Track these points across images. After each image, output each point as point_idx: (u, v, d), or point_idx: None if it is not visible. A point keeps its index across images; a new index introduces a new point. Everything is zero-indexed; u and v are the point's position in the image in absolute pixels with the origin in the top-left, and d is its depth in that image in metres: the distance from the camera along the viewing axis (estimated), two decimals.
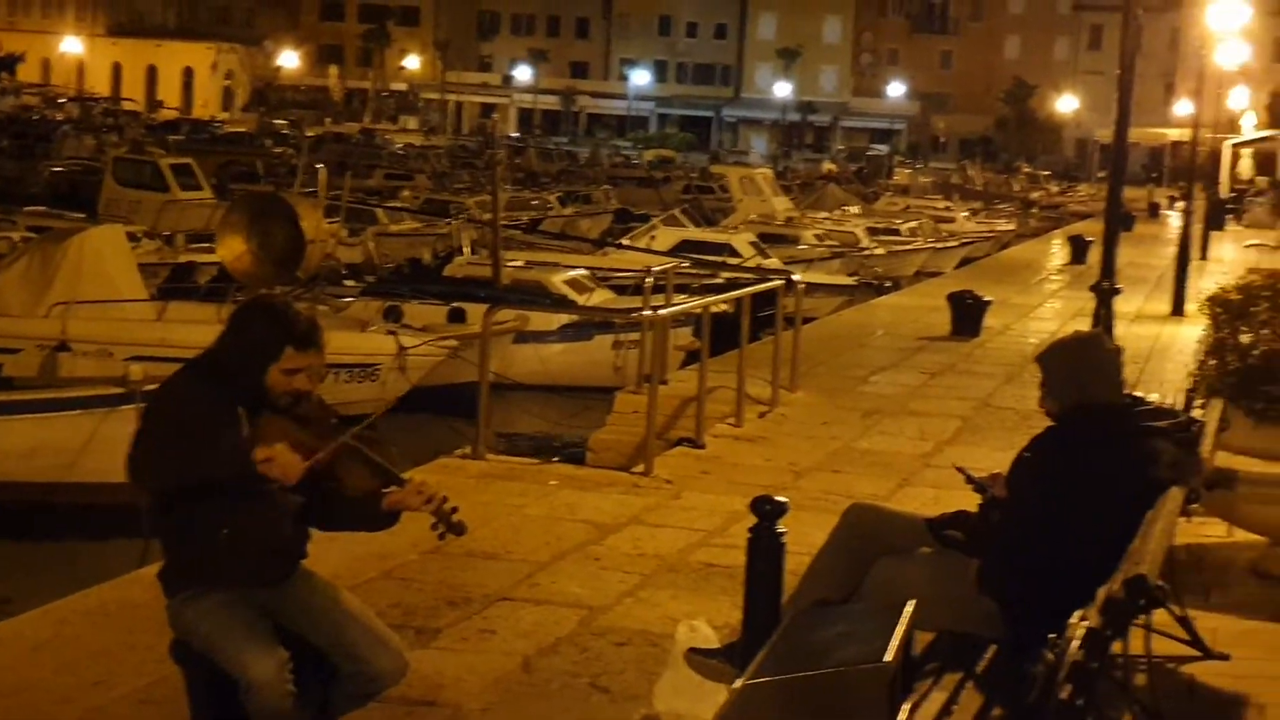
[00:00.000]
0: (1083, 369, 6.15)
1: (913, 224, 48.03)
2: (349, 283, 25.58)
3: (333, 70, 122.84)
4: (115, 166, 42.43)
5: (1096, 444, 5.96)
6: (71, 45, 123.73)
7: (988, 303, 21.85)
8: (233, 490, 5.17)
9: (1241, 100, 70.01)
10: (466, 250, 29.69)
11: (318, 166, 30.58)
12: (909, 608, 4.36)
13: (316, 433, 5.31)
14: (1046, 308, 26.59)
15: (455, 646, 7.67)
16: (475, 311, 22.32)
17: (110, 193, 40.61)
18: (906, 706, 4.27)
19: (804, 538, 7.11)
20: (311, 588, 5.50)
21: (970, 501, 6.53)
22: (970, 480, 6.45)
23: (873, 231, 44.02)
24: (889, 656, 3.98)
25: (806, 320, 19.58)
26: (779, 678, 3.92)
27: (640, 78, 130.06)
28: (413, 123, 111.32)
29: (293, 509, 5.39)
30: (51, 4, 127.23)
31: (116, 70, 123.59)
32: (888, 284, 33.19)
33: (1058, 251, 40.68)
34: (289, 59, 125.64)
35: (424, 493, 5.38)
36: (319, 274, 22.35)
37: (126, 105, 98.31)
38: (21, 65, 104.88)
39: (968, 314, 21.33)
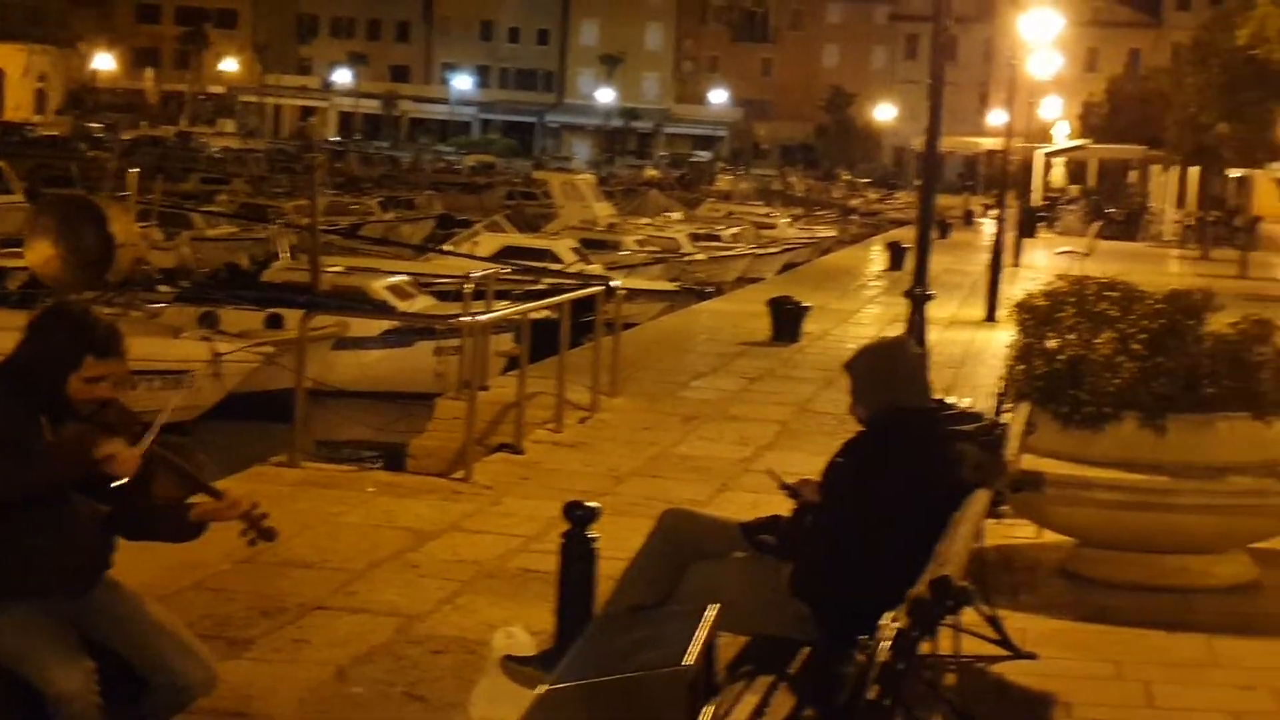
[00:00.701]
0: (889, 374, 6.24)
1: (734, 230, 48.38)
2: (163, 288, 25.12)
3: (149, 73, 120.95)
4: None
5: (904, 448, 6.06)
6: None
7: (807, 308, 22.08)
8: (36, 501, 5.07)
9: (1054, 110, 71.39)
10: (285, 255, 29.35)
11: (132, 170, 30.07)
12: (711, 611, 4.39)
13: (122, 440, 5.22)
14: (865, 313, 26.92)
15: (268, 657, 7.58)
16: (293, 317, 22.07)
17: None
18: (709, 710, 4.29)
19: (623, 543, 7.12)
20: (117, 598, 5.41)
21: (785, 506, 6.59)
22: (783, 485, 6.51)
23: (695, 237, 44.26)
24: (689, 660, 4.00)
25: (628, 326, 19.67)
26: (580, 682, 3.92)
27: (462, 82, 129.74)
28: (230, 126, 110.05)
29: (98, 518, 5.30)
30: None
31: None
32: (709, 289, 33.38)
33: (876, 258, 41.21)
34: (104, 61, 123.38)
35: (233, 501, 5.32)
36: (131, 279, 21.95)
37: None
38: None
39: (787, 319, 21.53)
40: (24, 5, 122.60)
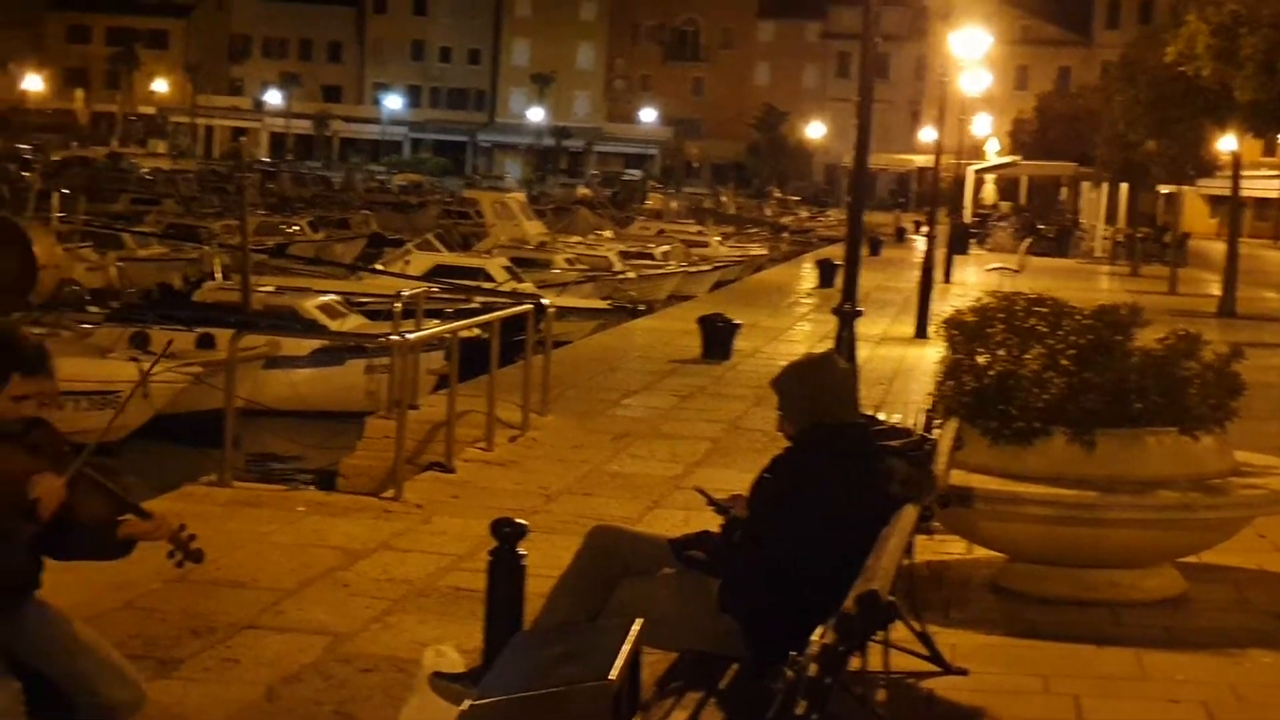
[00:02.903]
0: (816, 390, 6.27)
1: (665, 248, 48.51)
2: (93, 309, 25.00)
3: (79, 93, 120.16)
4: None
5: (832, 463, 6.09)
6: None
7: (738, 326, 22.13)
8: None
9: (985, 127, 71.99)
10: (218, 276, 29.23)
11: (64, 191, 29.91)
12: (635, 626, 4.39)
13: (50, 461, 5.19)
14: (796, 330, 27.00)
15: (197, 676, 7.53)
16: (225, 337, 21.96)
17: None
18: None
19: (555, 561, 7.12)
20: (43, 618, 5.36)
21: (714, 522, 6.61)
22: (711, 501, 6.53)
23: (625, 255, 44.36)
24: (614, 674, 4.00)
25: (559, 344, 19.65)
26: (502, 698, 3.91)
27: (393, 102, 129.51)
28: (162, 147, 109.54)
29: (24, 538, 5.26)
30: None
31: None
32: (641, 307, 33.43)
33: (807, 275, 41.33)
34: (33, 82, 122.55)
35: (160, 521, 5.30)
36: (59, 299, 21.84)
37: None
38: None
39: (718, 337, 21.57)
40: None
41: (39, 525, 5.15)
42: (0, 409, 5.19)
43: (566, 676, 3.99)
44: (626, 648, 4.18)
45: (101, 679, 5.25)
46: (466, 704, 4.00)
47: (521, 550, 6.24)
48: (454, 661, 6.65)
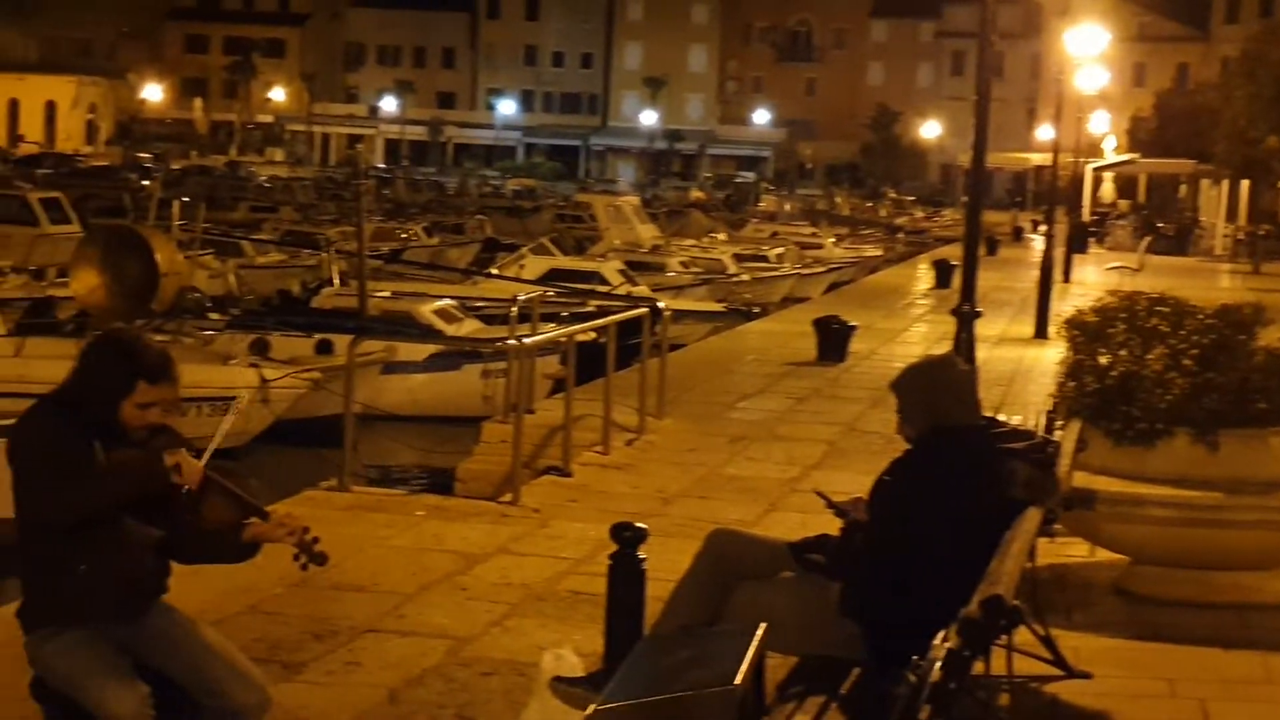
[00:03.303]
0: (935, 393, 6.21)
1: (779, 250, 48.36)
2: (214, 316, 25.30)
3: (197, 103, 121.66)
4: None
5: (953, 466, 6.03)
6: None
7: (853, 328, 22.01)
8: (90, 525, 5.12)
9: (1102, 125, 71.15)
10: (336, 282, 29.49)
11: (184, 199, 30.30)
12: (760, 630, 4.37)
13: (185, 452, 5.26)
14: (912, 332, 26.84)
15: (321, 680, 7.60)
16: (343, 343, 22.16)
17: None
18: None
19: (671, 564, 7.11)
20: (171, 622, 5.44)
21: (833, 526, 6.57)
22: (830, 505, 6.49)
23: (739, 258, 44.27)
24: (739, 679, 3.98)
25: (674, 347, 19.63)
26: (629, 702, 3.90)
27: (507, 107, 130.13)
28: (279, 155, 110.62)
29: (152, 543, 5.34)
30: None
31: None
32: (756, 310, 33.33)
33: (923, 276, 41.07)
34: (153, 92, 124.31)
35: (284, 524, 5.35)
36: (184, 307, 22.11)
37: None
38: None
39: (834, 339, 21.47)
40: (74, 38, 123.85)
41: (160, 524, 5.22)
42: (126, 416, 5.27)
43: (692, 681, 3.98)
44: (751, 653, 4.16)
45: (228, 682, 5.31)
46: (591, 708, 4.00)
47: (641, 554, 6.22)
48: (573, 665, 6.66)
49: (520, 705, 6.99)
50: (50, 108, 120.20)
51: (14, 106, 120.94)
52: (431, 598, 9.12)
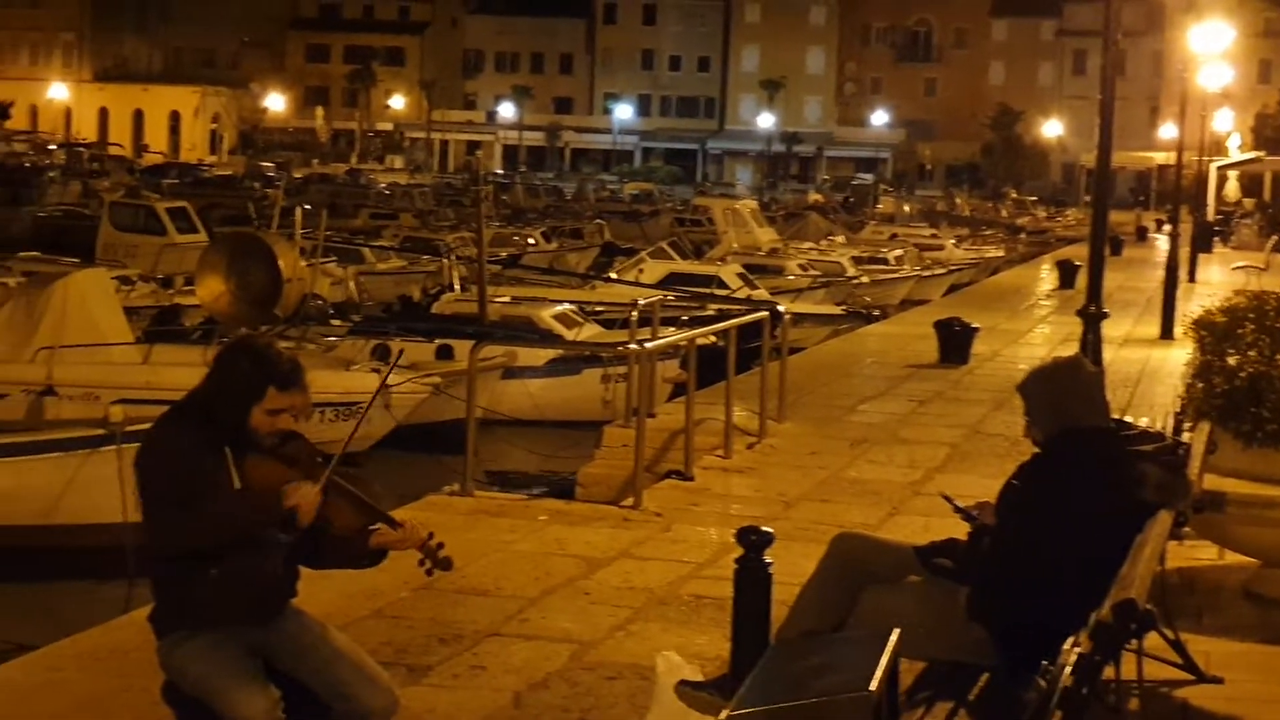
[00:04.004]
0: (1064, 395, 6.13)
1: (899, 252, 48.10)
2: (335, 322, 25.56)
3: (319, 111, 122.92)
4: (112, 211, 42.52)
5: (1082, 469, 5.95)
6: (58, 91, 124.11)
7: (975, 329, 21.82)
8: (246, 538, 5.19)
9: (1226, 122, 70.13)
10: (456, 287, 29.70)
11: (306, 207, 30.64)
12: (894, 636, 4.34)
13: (303, 472, 5.31)
14: (1036, 333, 26.59)
15: (446, 683, 7.65)
16: (463, 348, 22.32)
17: (107, 237, 40.72)
18: None
19: (794, 568, 7.09)
20: (301, 626, 5.49)
21: (960, 529, 6.52)
22: (957, 509, 6.43)
23: (858, 260, 44.08)
24: (873, 685, 3.96)
25: (794, 350, 19.57)
26: (762, 708, 3.89)
27: (624, 112, 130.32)
28: (399, 162, 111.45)
29: (281, 549, 5.39)
30: (39, 51, 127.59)
31: (103, 115, 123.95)
32: (876, 312, 33.15)
33: (1046, 277, 40.70)
34: (275, 101, 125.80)
35: (410, 530, 5.38)
36: (307, 314, 22.34)
37: (113, 150, 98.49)
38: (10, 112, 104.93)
39: (955, 341, 21.30)
40: (197, 48, 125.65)
41: (296, 533, 5.28)
42: (255, 422, 5.32)
43: (825, 687, 3.96)
44: (885, 658, 4.14)
45: (357, 685, 5.35)
46: (724, 714, 3.98)
47: (767, 558, 6.20)
48: (682, 668, 6.62)
49: (645, 710, 6.99)
50: (175, 118, 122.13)
51: (139, 117, 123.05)
52: (554, 602, 9.14)
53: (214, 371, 5.41)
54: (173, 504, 5.17)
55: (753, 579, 6.11)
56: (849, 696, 3.88)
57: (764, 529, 6.29)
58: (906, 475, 13.34)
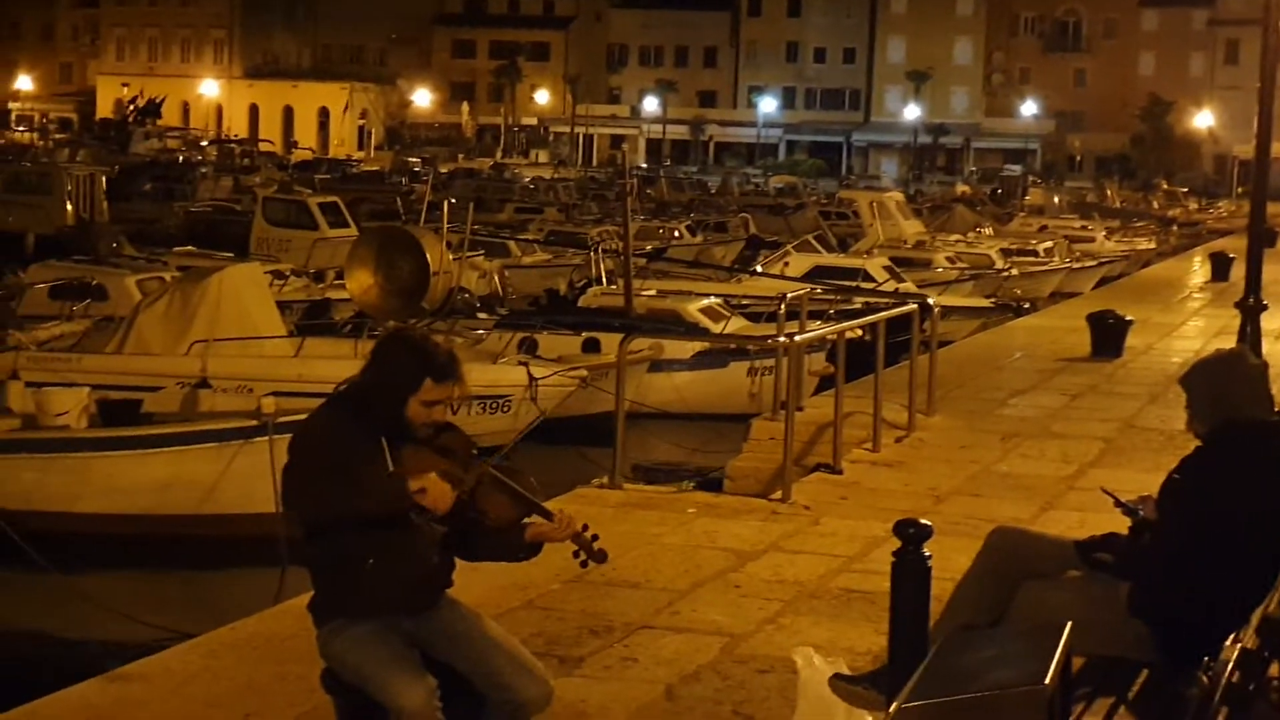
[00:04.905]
0: (1227, 387, 6.02)
1: (1048, 244, 47.52)
2: (481, 315, 25.74)
3: (464, 107, 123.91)
4: (265, 206, 43.21)
5: (1246, 462, 5.84)
6: (209, 88, 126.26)
7: (1129, 322, 21.50)
8: (380, 521, 5.22)
9: None
10: (604, 280, 29.80)
11: (452, 201, 30.88)
12: (1067, 629, 4.27)
13: (458, 463, 5.33)
14: (1189, 326, 26.15)
15: (598, 675, 7.67)
16: (609, 341, 22.39)
17: (260, 232, 41.41)
18: None
19: (946, 562, 7.02)
20: (457, 616, 5.53)
21: (1119, 524, 6.42)
22: (1119, 503, 6.33)
23: (1007, 253, 43.63)
24: (1048, 680, 3.89)
25: (942, 344, 19.40)
26: (934, 701, 3.85)
27: (768, 105, 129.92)
28: (543, 156, 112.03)
29: (437, 539, 5.42)
30: (189, 49, 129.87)
31: (253, 111, 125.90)
32: (1026, 305, 32.77)
33: (1199, 269, 40.06)
34: (422, 97, 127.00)
35: (566, 522, 5.39)
36: (454, 307, 22.49)
37: (263, 146, 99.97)
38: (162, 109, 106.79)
39: (1109, 334, 21.00)
40: (346, 45, 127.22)
41: (445, 521, 5.30)
42: (412, 413, 5.36)
43: (998, 681, 3.91)
44: (1059, 652, 4.07)
45: (512, 675, 5.37)
46: (894, 706, 3.95)
47: (926, 551, 6.13)
48: (820, 663, 6.56)
49: (795, 703, 6.95)
50: (323, 114, 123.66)
51: (289, 113, 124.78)
52: (704, 594, 9.14)
53: (372, 362, 5.46)
54: (315, 478, 5.21)
55: (911, 572, 6.04)
56: (1023, 690, 3.82)
57: (922, 522, 6.22)
58: (1059, 470, 13.18)
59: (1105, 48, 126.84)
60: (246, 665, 7.70)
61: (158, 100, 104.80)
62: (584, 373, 21.24)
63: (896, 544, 6.28)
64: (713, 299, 27.36)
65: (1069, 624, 4.30)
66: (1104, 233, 56.80)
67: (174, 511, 16.12)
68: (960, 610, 6.15)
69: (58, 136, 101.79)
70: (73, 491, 16.02)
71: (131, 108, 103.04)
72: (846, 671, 6.51)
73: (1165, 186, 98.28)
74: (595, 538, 5.50)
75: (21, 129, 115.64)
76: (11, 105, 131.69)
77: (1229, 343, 16.55)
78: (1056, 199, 78.71)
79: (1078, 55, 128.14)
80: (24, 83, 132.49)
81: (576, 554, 5.49)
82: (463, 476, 5.26)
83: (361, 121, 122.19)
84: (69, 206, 45.85)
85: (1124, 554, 6.00)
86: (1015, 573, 6.08)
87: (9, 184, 49.73)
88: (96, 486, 16.10)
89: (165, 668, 7.75)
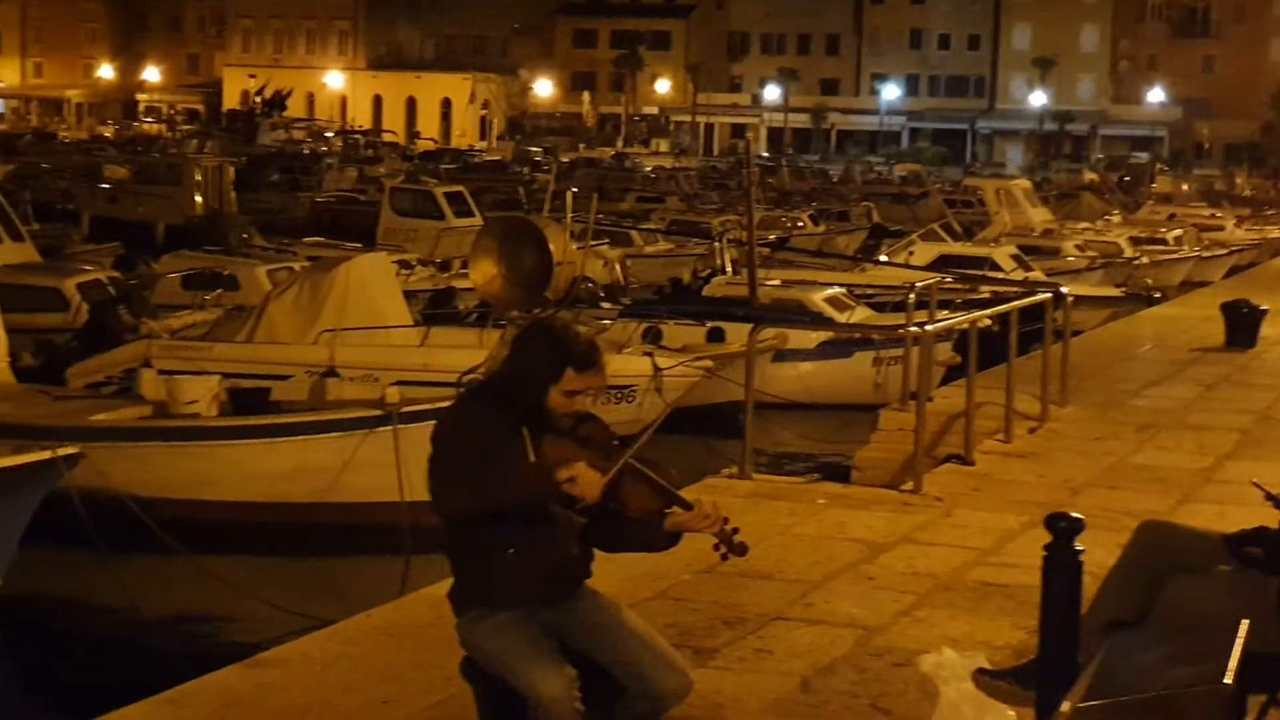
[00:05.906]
0: None
1: (1177, 232, 46.88)
2: (605, 304, 25.75)
3: (585, 96, 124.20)
4: (392, 196, 43.59)
5: None
6: (334, 80, 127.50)
7: (1264, 312, 21.12)
8: (522, 511, 5.21)
9: None
10: (729, 270, 29.73)
11: (573, 190, 30.95)
12: (1243, 627, 4.17)
13: (599, 453, 5.31)
14: None
15: (733, 666, 7.63)
16: (734, 331, 22.33)
17: (387, 222, 41.78)
18: None
19: (1086, 556, 6.90)
20: (596, 606, 5.51)
21: (1264, 516, 6.28)
22: (1269, 496, 6.19)
23: (1136, 241, 43.08)
24: (1228, 678, 3.81)
25: (1073, 334, 19.18)
26: (1110, 700, 3.78)
27: (891, 92, 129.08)
28: (664, 145, 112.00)
29: (577, 529, 5.41)
30: (314, 41, 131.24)
31: (377, 102, 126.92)
32: (1157, 294, 32.30)
33: None
34: (543, 87, 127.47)
35: (707, 514, 5.35)
36: (577, 296, 22.51)
37: (387, 137, 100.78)
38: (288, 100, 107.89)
39: (1243, 324, 20.65)
40: (468, 36, 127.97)
41: (582, 509, 5.28)
42: (553, 403, 5.35)
43: (1176, 679, 3.84)
44: (1238, 650, 3.98)
45: (651, 666, 5.35)
46: (1066, 706, 3.88)
47: (1078, 545, 6.02)
48: (954, 663, 6.46)
49: (934, 697, 6.87)
50: (446, 104, 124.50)
51: (412, 104, 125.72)
52: (838, 586, 9.07)
53: (513, 352, 5.46)
54: (460, 468, 5.21)
55: (1063, 567, 5.93)
56: (1203, 689, 3.75)
57: (1074, 515, 6.10)
58: (1196, 462, 12.97)
59: (1235, 33, 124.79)
60: (384, 652, 7.74)
61: (284, 92, 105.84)
62: (709, 363, 21.19)
63: (1032, 536, 6.20)
64: (838, 289, 27.21)
65: (1245, 622, 4.20)
66: (1234, 221, 55.94)
67: (300, 499, 16.27)
68: (1107, 605, 6.05)
69: (185, 128, 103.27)
70: (202, 479, 16.21)
71: (258, 99, 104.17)
72: (986, 666, 6.42)
73: None
74: (736, 530, 5.46)
75: (150, 120, 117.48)
76: (139, 96, 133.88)
77: None
78: (1185, 186, 77.67)
79: (1206, 41, 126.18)
80: (151, 74, 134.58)
81: (717, 547, 5.45)
82: (600, 466, 5.24)
83: (483, 112, 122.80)
84: (198, 197, 46.42)
85: (1275, 548, 5.87)
86: (1163, 567, 5.96)
87: (139, 175, 50.53)
88: (225, 474, 16.29)
89: (304, 654, 7.80)
